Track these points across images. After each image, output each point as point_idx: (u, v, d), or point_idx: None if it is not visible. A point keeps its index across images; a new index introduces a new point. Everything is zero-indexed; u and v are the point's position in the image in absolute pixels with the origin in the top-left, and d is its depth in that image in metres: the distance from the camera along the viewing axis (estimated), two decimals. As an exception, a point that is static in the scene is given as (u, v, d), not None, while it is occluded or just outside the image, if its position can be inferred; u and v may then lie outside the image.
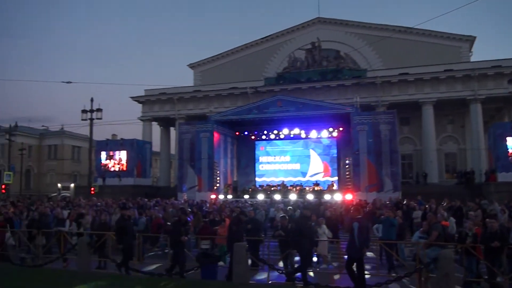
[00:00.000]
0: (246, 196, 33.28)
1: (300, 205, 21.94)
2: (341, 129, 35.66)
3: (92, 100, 31.14)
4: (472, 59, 45.96)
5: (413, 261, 11.77)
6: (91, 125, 31.71)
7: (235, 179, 39.36)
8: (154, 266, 13.68)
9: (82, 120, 31.53)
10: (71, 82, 32.12)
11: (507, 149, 31.15)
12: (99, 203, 25.63)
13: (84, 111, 31.19)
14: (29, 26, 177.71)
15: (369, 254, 14.18)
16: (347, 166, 34.60)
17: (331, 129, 36.14)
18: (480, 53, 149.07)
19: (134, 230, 12.63)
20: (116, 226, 13.05)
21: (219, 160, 36.52)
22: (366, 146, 31.58)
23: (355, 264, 10.33)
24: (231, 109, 38.91)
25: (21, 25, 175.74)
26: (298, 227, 11.51)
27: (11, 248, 16.02)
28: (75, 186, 46.56)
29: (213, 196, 32.64)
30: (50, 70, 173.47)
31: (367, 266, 11.25)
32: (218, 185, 35.89)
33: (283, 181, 36.43)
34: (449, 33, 46.44)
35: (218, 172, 36.17)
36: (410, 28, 45.17)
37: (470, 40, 46.37)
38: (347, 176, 34.31)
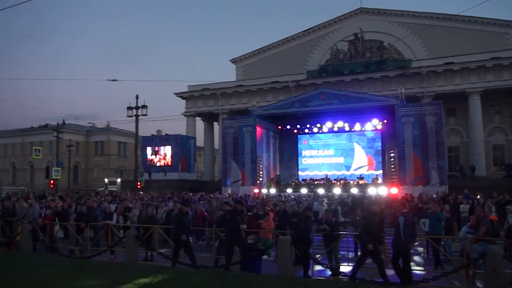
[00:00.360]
0: (289, 190, 33.26)
1: (365, 200, 21.60)
2: (385, 121, 35.05)
3: (137, 97, 31.68)
4: (521, 45, 44.16)
5: (460, 257, 11.46)
6: (136, 122, 32.28)
7: (278, 173, 39.34)
8: (199, 258, 13.80)
9: (128, 116, 32.12)
10: (116, 80, 32.74)
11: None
12: (145, 197, 26.18)
13: (129, 108, 31.77)
14: (73, 26, 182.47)
15: (419, 249, 13.97)
16: (392, 159, 33.98)
17: (375, 122, 35.54)
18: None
19: (190, 225, 12.73)
20: (176, 219, 13.16)
21: (261, 154, 36.58)
22: (411, 139, 30.96)
23: (401, 259, 10.15)
24: (273, 103, 38.89)
25: (70, 25, 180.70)
26: (365, 224, 11.17)
27: (60, 240, 16.58)
28: (121, 180, 47.63)
29: (256, 190, 32.74)
30: (96, 69, 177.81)
31: (413, 262, 11.03)
32: (261, 179, 36.00)
33: (327, 175, 36.18)
34: (496, 19, 44.93)
35: (261, 166, 36.25)
36: (455, 15, 43.91)
37: (518, 25, 44.57)
38: (392, 170, 33.70)
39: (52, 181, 36.06)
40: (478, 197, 21.68)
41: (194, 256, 12.12)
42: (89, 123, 65.06)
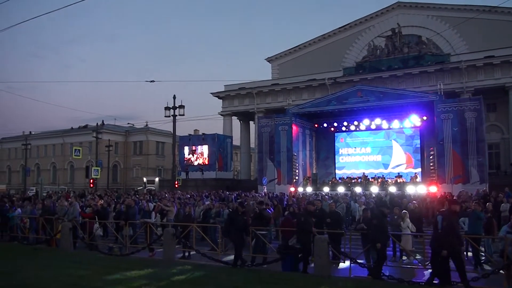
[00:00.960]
0: (326, 189, 33.05)
1: (371, 201, 21.31)
2: (424, 118, 34.33)
3: (174, 97, 32.04)
4: None
5: (500, 257, 11.16)
6: (174, 122, 32.68)
7: (314, 171, 39.14)
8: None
9: (165, 117, 32.48)
10: (154, 81, 33.24)
11: None
12: (182, 196, 26.49)
13: (167, 108, 32.14)
14: (115, 28, 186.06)
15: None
16: (431, 157, 33.27)
17: (414, 119, 34.77)
18: None
19: (244, 224, 12.68)
20: (228, 217, 13.25)
21: (298, 152, 36.46)
22: (451, 135, 30.25)
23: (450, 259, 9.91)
24: (309, 101, 38.73)
25: (109, 27, 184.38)
26: (378, 223, 11.21)
27: (99, 238, 16.98)
28: (159, 179, 48.32)
29: (292, 189, 32.70)
30: (134, 71, 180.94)
31: (453, 263, 10.78)
32: (297, 177, 35.89)
33: (364, 173, 35.80)
34: (537, 9, 43.38)
35: (297, 164, 36.13)
36: (495, 7, 42.60)
37: None
38: (431, 168, 33.01)
39: (91, 180, 36.88)
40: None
41: (240, 256, 11.99)
42: (128, 123, 66.42)
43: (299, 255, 11.67)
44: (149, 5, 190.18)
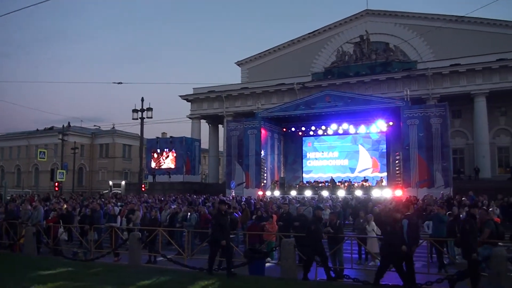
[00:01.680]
0: (294, 193, 33.20)
1: (338, 205, 21.51)
2: (391, 123, 34.92)
3: (142, 99, 31.68)
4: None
5: (464, 259, 11.41)
6: (141, 124, 32.32)
7: (282, 175, 39.29)
8: (202, 261, 13.79)
9: (133, 119, 32.10)
10: (121, 83, 32.79)
11: None
12: (150, 200, 26.21)
13: (134, 111, 31.75)
14: (78, 29, 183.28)
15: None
16: (397, 162, 33.84)
17: (380, 124, 35.34)
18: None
19: (234, 223, 12.05)
20: (214, 221, 12.29)
21: (266, 156, 36.56)
22: (416, 141, 30.84)
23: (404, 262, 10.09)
24: (278, 105, 38.95)
25: (70, 28, 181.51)
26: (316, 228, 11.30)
27: (63, 242, 16.62)
28: (126, 183, 47.73)
29: (260, 193, 32.72)
30: (101, 72, 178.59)
31: (416, 265, 10.96)
32: (265, 181, 35.97)
33: (332, 177, 36.11)
34: (502, 20, 44.70)
35: (265, 168, 36.23)
36: (461, 17, 43.76)
37: (525, 26, 44.25)
38: (397, 172, 33.58)
39: (57, 184, 36.22)
40: (483, 199, 21.61)
41: (232, 262, 11.46)
42: (94, 125, 65.53)
43: (322, 264, 11.41)
44: (119, 6, 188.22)
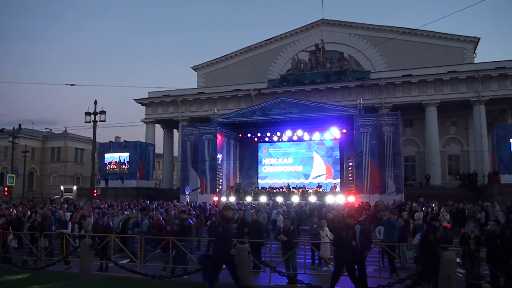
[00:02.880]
0: (249, 198, 33.25)
1: (293, 211, 21.68)
2: (344, 131, 35.59)
3: (95, 102, 31.02)
4: (476, 60, 45.57)
5: (414, 264, 11.72)
6: (94, 128, 31.64)
7: (237, 181, 39.31)
8: (155, 267, 13.62)
9: (86, 122, 31.31)
10: (74, 85, 31.93)
11: (511, 151, 31.09)
12: (102, 205, 25.69)
13: (87, 114, 31.03)
14: (32, 29, 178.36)
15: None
16: (350, 168, 34.51)
17: (334, 131, 35.97)
18: (484, 54, 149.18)
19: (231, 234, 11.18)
20: (221, 229, 11.06)
21: (222, 162, 36.53)
22: (369, 148, 31.56)
23: (356, 266, 10.26)
24: (234, 111, 38.95)
25: (24, 28, 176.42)
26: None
27: (13, 250, 16.04)
28: (77, 188, 46.64)
29: (215, 198, 32.62)
30: (54, 73, 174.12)
31: (368, 269, 11.17)
32: (220, 187, 35.93)
33: (287, 183, 36.38)
34: (453, 34, 46.34)
35: (220, 174, 36.20)
36: (414, 29, 45.10)
37: (474, 41, 46.05)
38: (350, 178, 34.23)
39: (6, 188, 35.09)
40: (433, 205, 22.30)
41: (237, 272, 10.60)
42: (46, 128, 63.42)
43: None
44: (75, 7, 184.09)
